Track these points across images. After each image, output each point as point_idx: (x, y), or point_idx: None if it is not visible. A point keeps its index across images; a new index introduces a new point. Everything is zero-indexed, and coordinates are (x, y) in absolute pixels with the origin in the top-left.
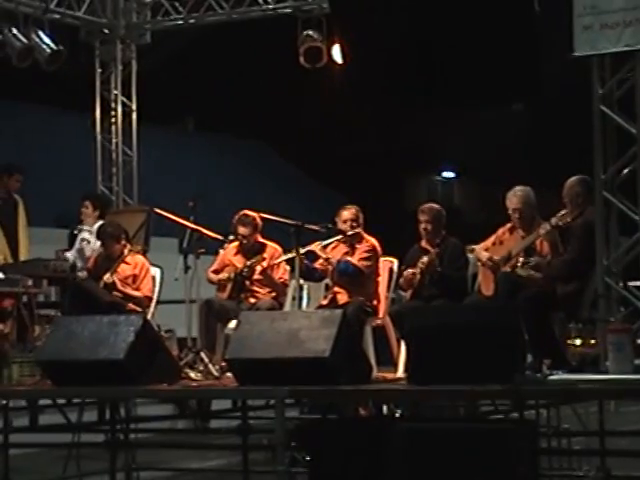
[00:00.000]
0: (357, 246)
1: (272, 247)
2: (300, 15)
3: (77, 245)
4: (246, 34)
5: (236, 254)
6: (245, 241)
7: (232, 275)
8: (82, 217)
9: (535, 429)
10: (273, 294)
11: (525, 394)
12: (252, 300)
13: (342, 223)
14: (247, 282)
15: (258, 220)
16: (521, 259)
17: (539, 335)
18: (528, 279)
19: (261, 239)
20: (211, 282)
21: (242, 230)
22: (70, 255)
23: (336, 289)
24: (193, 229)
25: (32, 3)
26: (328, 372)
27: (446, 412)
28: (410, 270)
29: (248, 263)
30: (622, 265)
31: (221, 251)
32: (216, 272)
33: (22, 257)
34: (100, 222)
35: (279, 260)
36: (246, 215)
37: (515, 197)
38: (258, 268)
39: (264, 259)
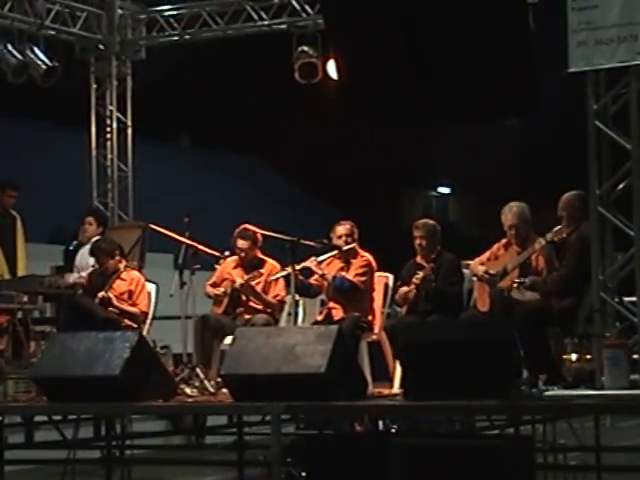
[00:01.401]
0: (352, 261)
1: (271, 264)
2: (295, 31)
3: (78, 263)
4: (241, 50)
5: (235, 267)
6: (244, 254)
7: (228, 290)
8: (85, 233)
9: (531, 444)
10: (269, 310)
11: (521, 409)
12: (248, 316)
13: (337, 239)
14: (243, 297)
15: (258, 235)
16: (516, 280)
17: (535, 350)
18: (523, 303)
19: (260, 255)
20: (208, 296)
21: (241, 243)
22: (72, 276)
23: (331, 305)
24: (188, 245)
25: (27, 19)
26: (324, 388)
27: (442, 428)
28: (405, 288)
29: (245, 277)
30: (617, 280)
31: (217, 266)
32: (214, 285)
33: (20, 273)
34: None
35: (276, 277)
36: (246, 229)
37: (510, 213)
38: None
39: (261, 274)
